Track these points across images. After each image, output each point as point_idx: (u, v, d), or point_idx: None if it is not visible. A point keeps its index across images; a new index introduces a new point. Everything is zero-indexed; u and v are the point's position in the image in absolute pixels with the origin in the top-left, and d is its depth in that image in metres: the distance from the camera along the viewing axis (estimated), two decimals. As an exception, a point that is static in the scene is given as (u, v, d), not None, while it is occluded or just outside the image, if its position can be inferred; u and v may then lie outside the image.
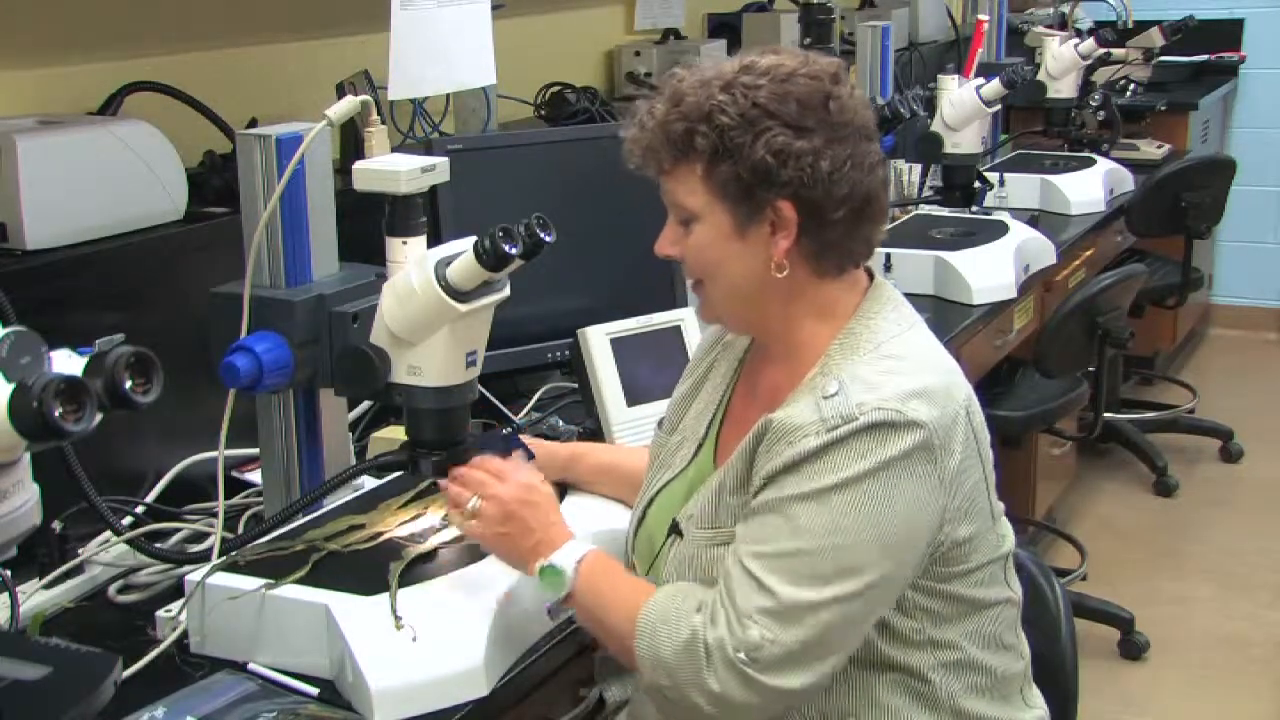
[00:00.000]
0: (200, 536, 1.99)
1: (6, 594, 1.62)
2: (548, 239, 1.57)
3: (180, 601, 1.70)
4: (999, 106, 3.58)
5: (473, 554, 1.73)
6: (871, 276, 1.68)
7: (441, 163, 1.68)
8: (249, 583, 1.65)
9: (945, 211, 3.58)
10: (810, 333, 1.62)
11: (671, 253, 1.63)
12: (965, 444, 1.55)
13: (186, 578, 1.70)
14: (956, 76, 3.53)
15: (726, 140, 1.54)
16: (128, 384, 1.23)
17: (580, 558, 1.61)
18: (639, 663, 1.53)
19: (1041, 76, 4.33)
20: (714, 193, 1.57)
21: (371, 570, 1.66)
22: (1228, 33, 6.01)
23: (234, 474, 2.14)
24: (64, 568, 1.84)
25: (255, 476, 2.07)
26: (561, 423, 2.30)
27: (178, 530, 2.00)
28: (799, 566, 1.47)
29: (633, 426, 2.14)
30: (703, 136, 1.55)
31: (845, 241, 1.60)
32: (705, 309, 1.68)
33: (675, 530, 1.66)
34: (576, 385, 2.30)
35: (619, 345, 2.19)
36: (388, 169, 1.64)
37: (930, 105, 3.46)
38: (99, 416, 1.21)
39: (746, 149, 1.54)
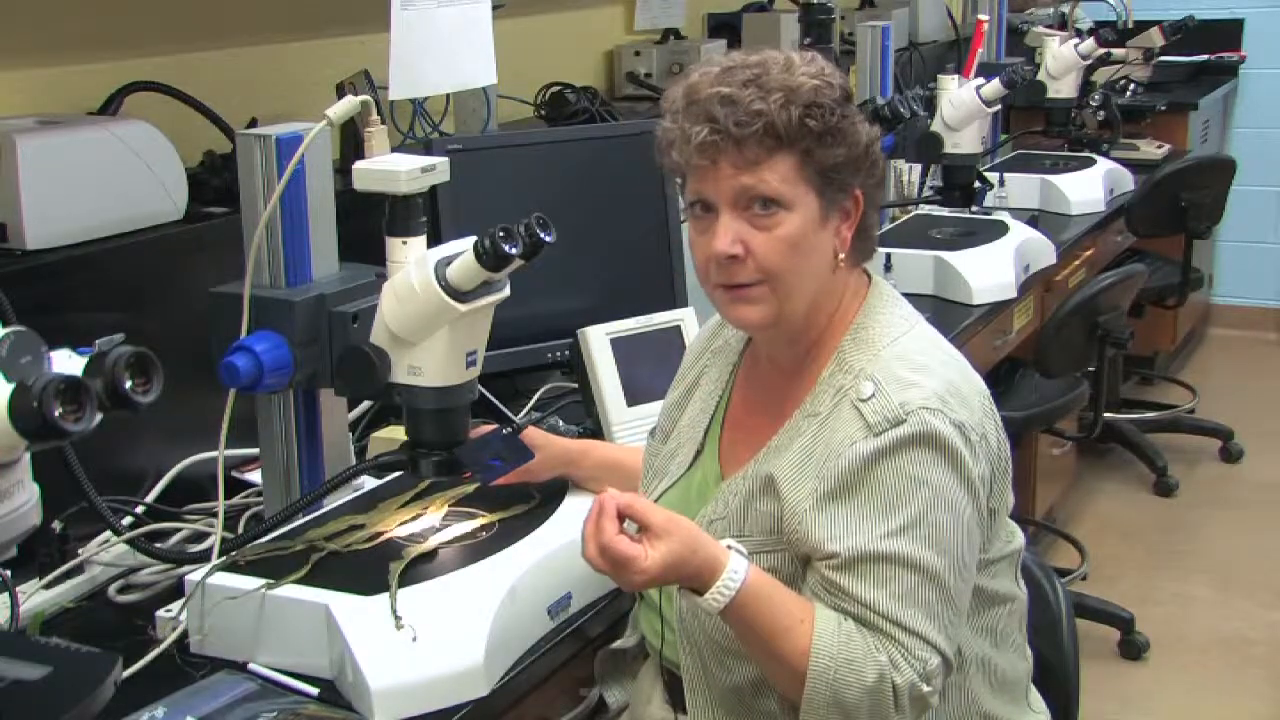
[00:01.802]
0: (200, 536, 1.99)
1: (6, 594, 1.62)
2: (548, 239, 1.56)
3: (180, 601, 1.70)
4: (999, 106, 3.58)
5: (473, 554, 1.73)
6: (868, 274, 1.69)
7: (441, 163, 1.68)
8: (249, 583, 1.65)
9: (945, 211, 3.58)
10: (824, 329, 1.62)
11: (736, 251, 1.53)
12: (996, 433, 1.59)
13: (186, 578, 1.70)
14: (956, 76, 3.53)
15: (834, 123, 1.53)
16: (128, 384, 1.23)
17: (748, 567, 1.49)
18: (808, 702, 1.47)
19: (1041, 76, 4.32)
20: (809, 179, 1.53)
21: (371, 570, 1.66)
22: (1228, 33, 6.01)
23: (234, 474, 2.14)
24: (64, 568, 1.84)
25: (255, 476, 2.07)
26: (561, 423, 2.29)
27: (178, 530, 2.00)
28: (929, 595, 1.48)
29: (633, 426, 2.14)
30: (815, 119, 1.51)
31: (873, 231, 1.63)
32: (765, 308, 1.56)
33: None
34: (576, 385, 2.30)
35: (619, 345, 2.19)
36: (388, 169, 1.64)
37: (930, 105, 3.46)
38: (99, 416, 1.21)
39: (851, 132, 1.54)
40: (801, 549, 1.53)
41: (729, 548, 1.49)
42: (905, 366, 1.55)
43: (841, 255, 1.58)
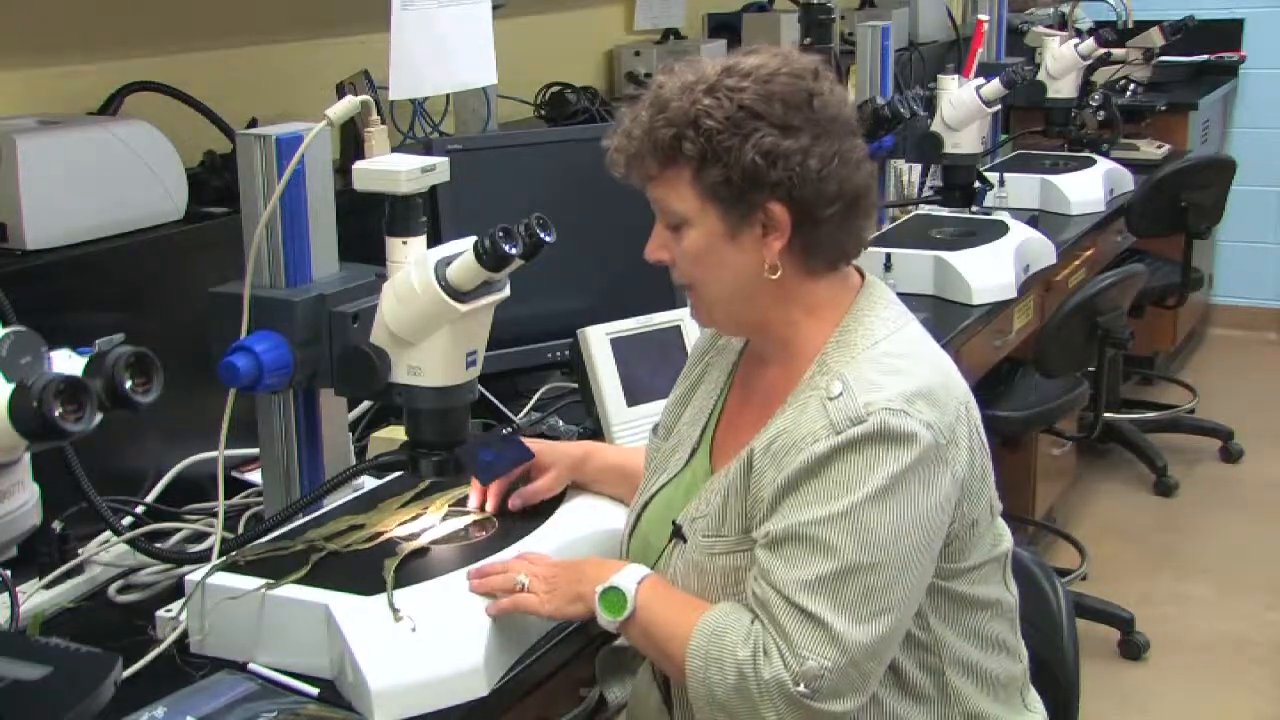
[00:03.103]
0: (200, 536, 1.99)
1: (6, 594, 1.62)
2: (548, 239, 1.57)
3: (180, 601, 1.70)
4: (999, 106, 3.58)
5: (473, 554, 1.73)
6: (863, 275, 1.68)
7: (441, 163, 1.68)
8: (249, 583, 1.65)
9: (945, 211, 3.58)
10: (805, 332, 1.62)
11: (661, 257, 1.62)
12: (969, 439, 1.56)
13: (186, 578, 1.70)
14: (956, 76, 3.53)
15: (714, 144, 1.53)
16: (128, 384, 1.23)
17: (641, 579, 1.60)
18: (694, 700, 1.52)
19: (1041, 76, 4.33)
20: (704, 197, 1.56)
21: (371, 570, 1.66)
22: (1228, 33, 6.01)
23: (234, 474, 2.14)
24: (64, 568, 1.84)
25: (255, 476, 2.07)
26: (561, 423, 2.30)
27: (178, 530, 2.00)
28: (841, 589, 1.47)
29: (633, 426, 2.14)
30: (690, 142, 1.54)
31: (837, 238, 1.60)
32: (698, 312, 1.67)
33: (678, 534, 1.65)
34: (576, 385, 2.30)
35: (619, 345, 2.19)
36: (388, 169, 1.64)
37: (930, 105, 3.46)
38: (99, 416, 1.21)
39: (735, 152, 1.53)
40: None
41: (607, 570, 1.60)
42: (878, 369, 1.54)
43: (769, 265, 1.57)
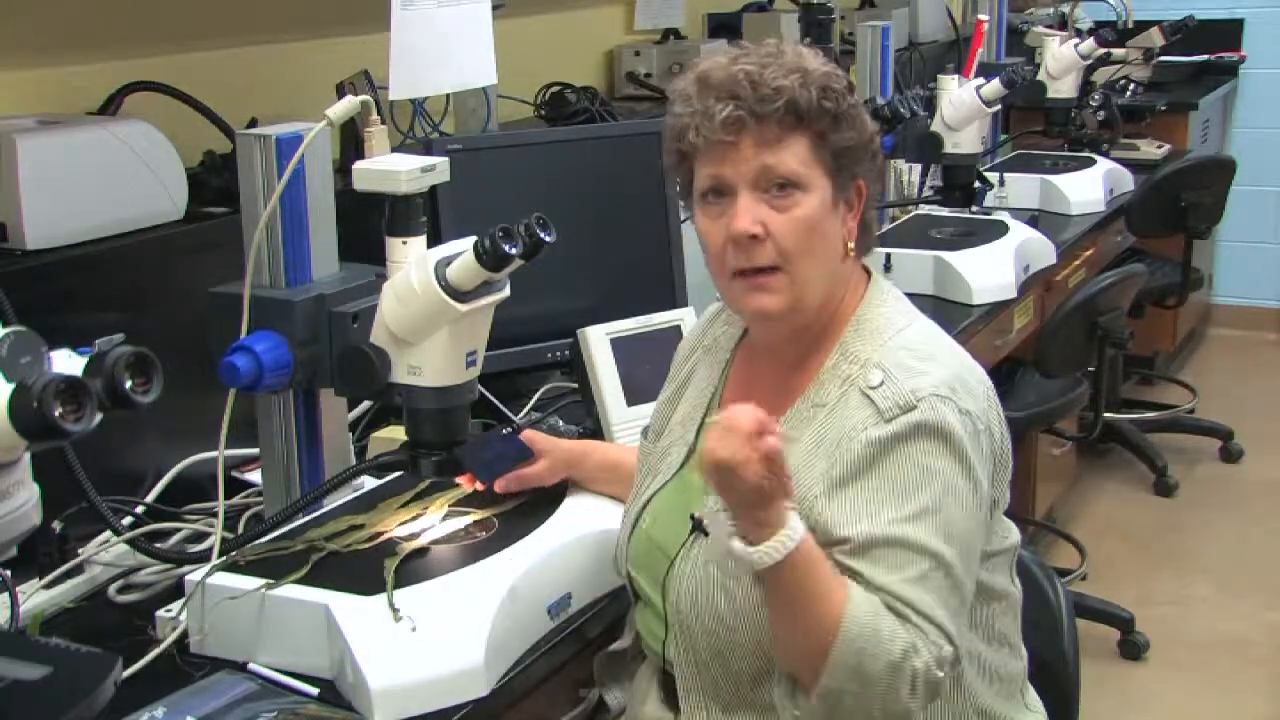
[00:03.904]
0: (200, 536, 1.99)
1: (6, 594, 1.62)
2: (548, 239, 1.57)
3: (180, 601, 1.70)
4: (999, 106, 3.58)
5: (473, 553, 1.73)
6: (867, 270, 1.70)
7: (441, 163, 1.68)
8: (249, 583, 1.65)
9: (945, 211, 3.58)
10: (828, 321, 1.63)
11: (757, 231, 1.53)
12: (999, 424, 1.60)
13: (186, 578, 1.70)
14: (956, 76, 3.53)
15: (845, 108, 1.56)
16: (128, 384, 1.23)
17: (799, 540, 1.44)
18: (830, 664, 1.44)
19: (1041, 76, 4.33)
20: (823, 163, 1.56)
21: (371, 570, 1.66)
22: (1228, 33, 6.01)
23: (234, 474, 2.14)
24: (64, 568, 1.84)
25: (255, 476, 2.07)
26: (561, 423, 2.30)
27: (178, 530, 2.00)
28: (939, 582, 1.48)
29: (633, 426, 2.14)
30: (831, 100, 1.55)
31: (873, 227, 1.66)
32: (782, 295, 1.56)
33: (699, 528, 1.61)
34: (576, 385, 2.30)
35: (619, 345, 2.19)
36: (388, 169, 1.64)
37: (930, 105, 3.46)
38: (99, 416, 1.21)
39: (859, 120, 1.58)
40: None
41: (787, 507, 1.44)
42: (912, 356, 1.56)
43: (851, 244, 1.61)
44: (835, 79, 1.58)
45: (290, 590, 1.64)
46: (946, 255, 3.20)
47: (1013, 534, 1.71)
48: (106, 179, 2.05)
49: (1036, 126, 4.58)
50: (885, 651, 1.44)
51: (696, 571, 1.61)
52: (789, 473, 1.42)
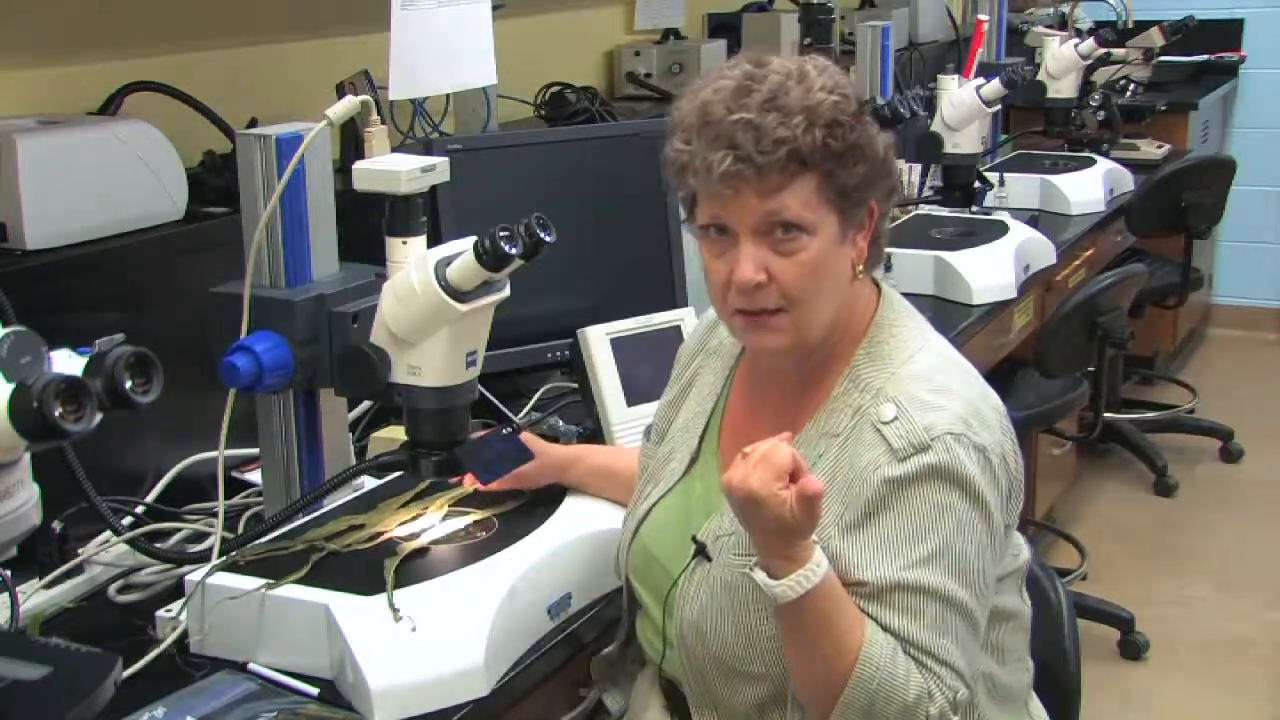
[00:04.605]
0: (200, 536, 1.99)
1: (6, 594, 1.62)
2: (548, 239, 1.56)
3: (180, 601, 1.70)
4: (999, 106, 3.58)
5: (473, 553, 1.73)
6: (878, 285, 1.66)
7: (441, 163, 1.68)
8: (249, 583, 1.65)
9: (945, 211, 3.58)
10: (838, 339, 1.59)
11: (761, 279, 1.49)
12: (1014, 452, 1.57)
13: (186, 578, 1.70)
14: (956, 76, 3.53)
15: (853, 139, 1.49)
16: (128, 384, 1.23)
17: (811, 587, 1.42)
18: (842, 703, 1.43)
19: (1041, 76, 4.32)
20: (828, 199, 1.49)
21: (371, 570, 1.66)
22: (1228, 33, 6.01)
23: (234, 474, 2.14)
24: (64, 568, 1.84)
25: (255, 476, 2.07)
26: (561, 423, 2.29)
27: (178, 530, 2.00)
28: (954, 624, 1.48)
29: (633, 426, 2.13)
30: (837, 140, 1.48)
31: (884, 237, 1.61)
32: (784, 335, 1.53)
33: (702, 552, 1.59)
34: (576, 385, 2.30)
35: (619, 345, 2.19)
36: (388, 169, 1.64)
37: (930, 105, 3.46)
38: (99, 416, 1.21)
39: (869, 147, 1.51)
40: None
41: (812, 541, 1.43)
42: (926, 387, 1.52)
43: (860, 267, 1.56)
44: (843, 109, 1.49)
45: (290, 590, 1.64)
46: (946, 255, 3.20)
47: (1023, 552, 1.69)
48: (106, 179, 2.05)
49: (1036, 126, 4.58)
50: (900, 695, 1.43)
51: (702, 596, 1.58)
52: (820, 512, 1.41)
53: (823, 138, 1.47)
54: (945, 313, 3.06)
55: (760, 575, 1.42)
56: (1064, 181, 4.11)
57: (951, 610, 1.47)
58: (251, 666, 1.64)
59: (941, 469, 1.47)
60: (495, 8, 2.41)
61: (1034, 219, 3.75)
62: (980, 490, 1.49)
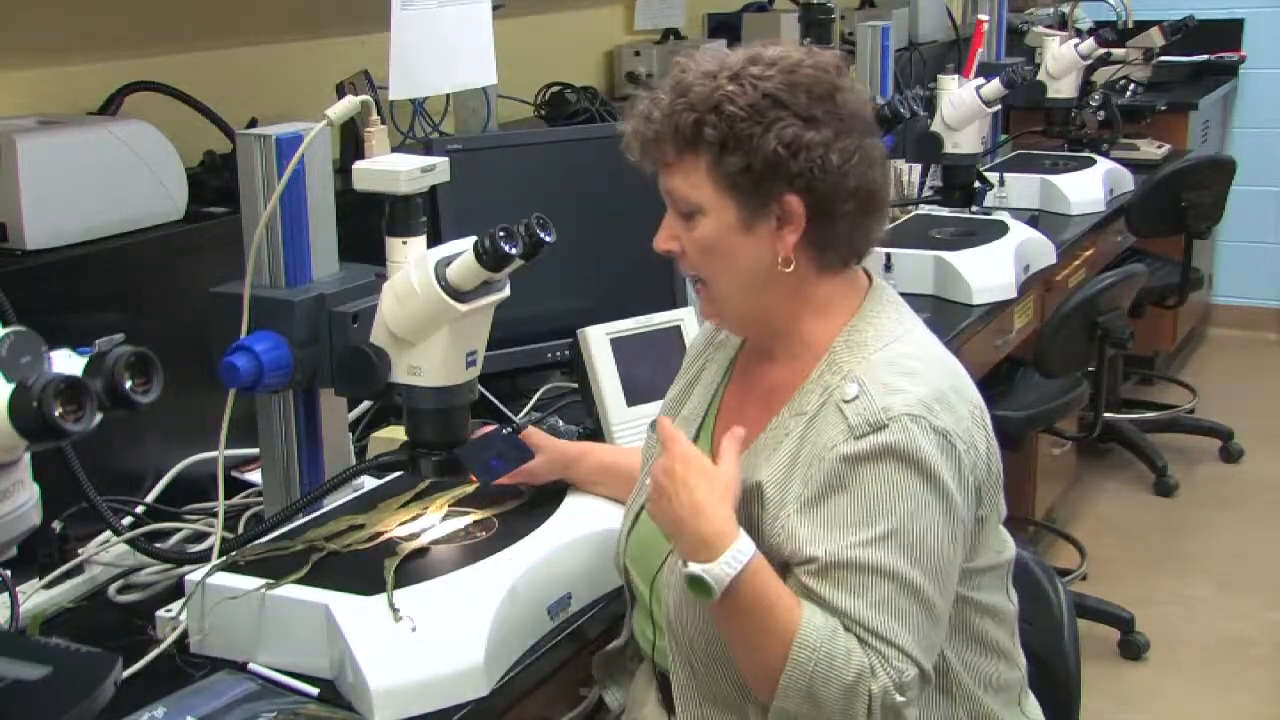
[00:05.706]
0: (200, 536, 1.99)
1: (6, 594, 1.62)
2: (548, 239, 1.57)
3: (180, 601, 1.70)
4: (999, 106, 3.58)
5: (473, 553, 1.73)
6: (870, 277, 1.68)
7: (441, 163, 1.68)
8: (249, 583, 1.65)
9: (945, 211, 3.58)
10: (812, 329, 1.61)
11: (671, 247, 1.61)
12: (986, 442, 1.57)
13: (186, 578, 1.70)
14: (956, 76, 3.53)
15: (736, 131, 1.51)
16: (128, 384, 1.23)
17: (737, 572, 1.44)
18: (782, 689, 1.44)
19: (1041, 76, 4.33)
20: (721, 185, 1.54)
21: (371, 570, 1.66)
22: (1228, 33, 6.01)
23: (234, 474, 2.14)
24: (64, 568, 1.84)
25: (255, 476, 2.07)
26: (561, 423, 2.30)
27: (178, 530, 2.00)
28: (906, 605, 1.46)
29: (633, 426, 2.14)
30: (711, 127, 1.52)
31: (851, 235, 1.59)
32: (707, 306, 1.65)
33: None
34: (576, 385, 2.30)
35: (619, 345, 2.19)
36: (388, 169, 1.64)
37: (930, 105, 3.46)
38: (99, 416, 1.21)
39: (757, 140, 1.51)
40: (782, 554, 1.51)
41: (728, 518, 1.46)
42: (893, 371, 1.53)
43: (783, 258, 1.56)
44: (732, 100, 1.51)
45: (290, 590, 1.64)
46: (946, 255, 3.20)
47: (1008, 549, 1.69)
48: (106, 179, 2.05)
49: (1036, 126, 4.58)
50: (839, 675, 1.43)
51: (677, 581, 1.59)
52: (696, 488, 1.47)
53: (693, 122, 1.53)
54: (945, 313, 3.06)
55: (694, 566, 1.44)
56: (1064, 181, 4.11)
57: (903, 592, 1.46)
58: (251, 666, 1.64)
59: (896, 449, 1.47)
60: (495, 8, 2.41)
61: (1034, 219, 3.75)
62: (937, 472, 1.48)
